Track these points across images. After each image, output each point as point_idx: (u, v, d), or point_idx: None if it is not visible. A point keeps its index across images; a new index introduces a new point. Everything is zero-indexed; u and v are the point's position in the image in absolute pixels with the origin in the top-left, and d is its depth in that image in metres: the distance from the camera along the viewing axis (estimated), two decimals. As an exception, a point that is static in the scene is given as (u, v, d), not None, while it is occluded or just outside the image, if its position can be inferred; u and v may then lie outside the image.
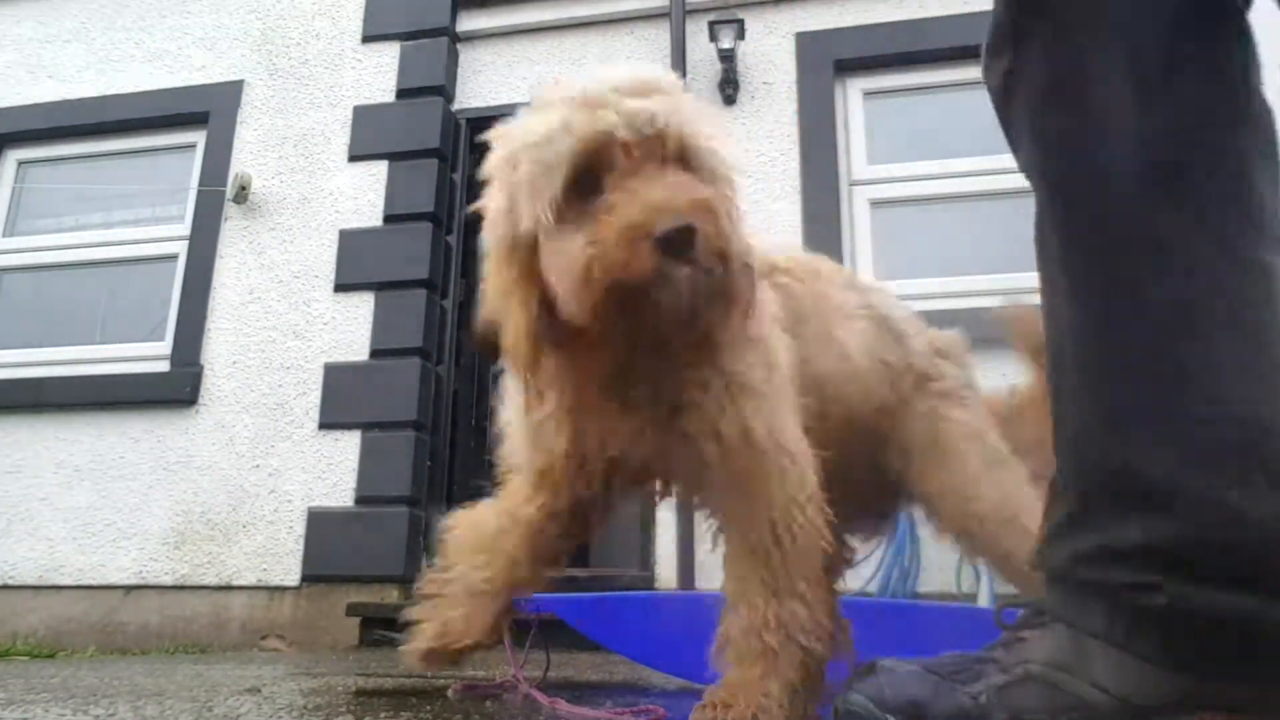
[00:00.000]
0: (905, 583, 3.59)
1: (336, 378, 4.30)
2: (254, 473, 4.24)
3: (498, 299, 1.14)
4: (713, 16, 4.38)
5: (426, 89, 4.65)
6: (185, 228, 4.83)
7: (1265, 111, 0.98)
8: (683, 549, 3.78)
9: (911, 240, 4.18)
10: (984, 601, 3.44)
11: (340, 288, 4.45)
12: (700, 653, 1.91)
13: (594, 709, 1.38)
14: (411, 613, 1.55)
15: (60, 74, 5.22)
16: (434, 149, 4.52)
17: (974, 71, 4.35)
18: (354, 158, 4.66)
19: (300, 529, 4.11)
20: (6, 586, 4.32)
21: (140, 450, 4.40)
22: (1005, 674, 0.93)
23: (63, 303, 4.93)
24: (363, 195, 4.58)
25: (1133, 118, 0.93)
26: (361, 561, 3.98)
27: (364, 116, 4.71)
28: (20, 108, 5.18)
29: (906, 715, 0.91)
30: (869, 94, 4.40)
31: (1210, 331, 0.91)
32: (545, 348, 1.13)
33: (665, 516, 3.88)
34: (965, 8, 4.28)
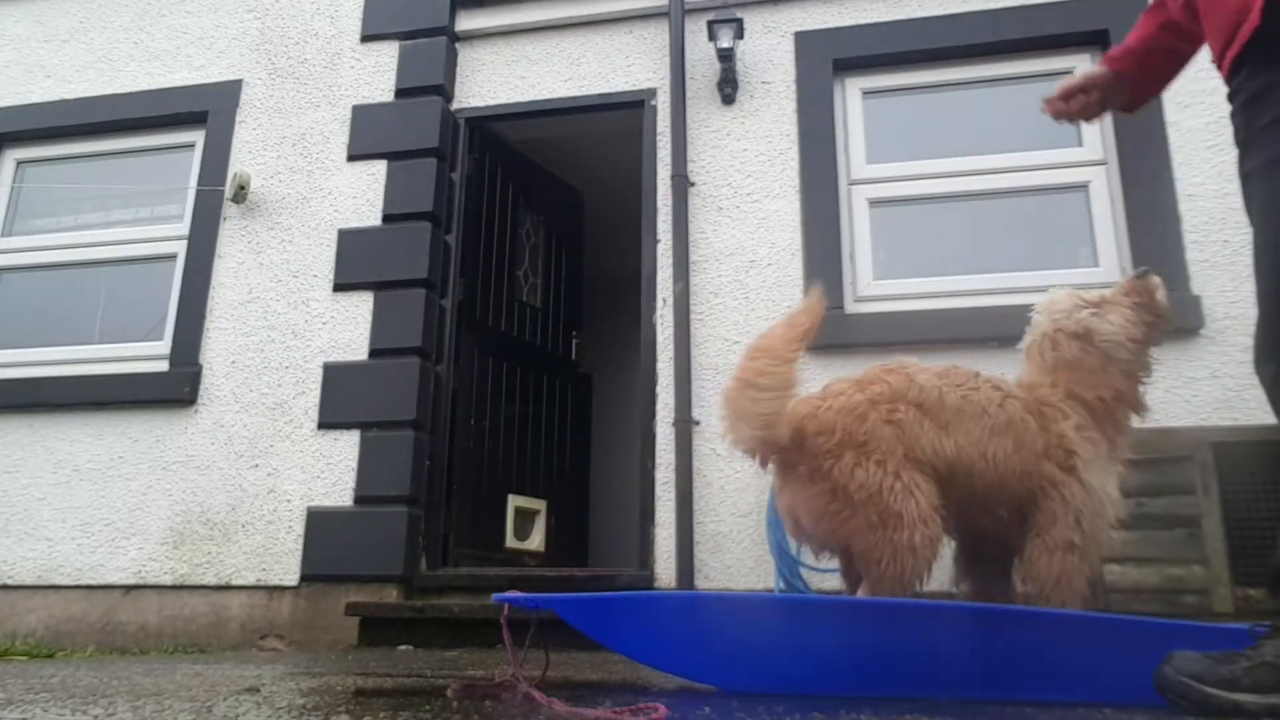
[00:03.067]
0: (904, 582, 3.57)
1: (335, 377, 4.30)
2: (253, 472, 4.24)
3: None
4: (712, 16, 4.38)
5: (425, 88, 4.65)
6: (184, 227, 4.83)
7: None
8: (681, 549, 3.78)
9: (911, 240, 4.17)
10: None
11: (339, 287, 4.45)
12: (699, 652, 1.91)
13: (592, 708, 1.38)
14: None
15: (59, 73, 5.22)
16: (433, 148, 4.51)
17: (974, 71, 4.39)
18: (353, 157, 4.65)
19: (299, 528, 4.11)
20: (6, 586, 4.32)
21: (139, 450, 4.40)
22: (1250, 661, 1.47)
23: (62, 303, 4.92)
24: (361, 195, 4.58)
25: None
26: (361, 561, 3.98)
27: (363, 116, 4.71)
28: (19, 107, 5.18)
29: (1193, 678, 1.47)
30: (869, 94, 4.40)
31: None
32: None
33: (665, 517, 3.88)
34: (965, 7, 4.28)
